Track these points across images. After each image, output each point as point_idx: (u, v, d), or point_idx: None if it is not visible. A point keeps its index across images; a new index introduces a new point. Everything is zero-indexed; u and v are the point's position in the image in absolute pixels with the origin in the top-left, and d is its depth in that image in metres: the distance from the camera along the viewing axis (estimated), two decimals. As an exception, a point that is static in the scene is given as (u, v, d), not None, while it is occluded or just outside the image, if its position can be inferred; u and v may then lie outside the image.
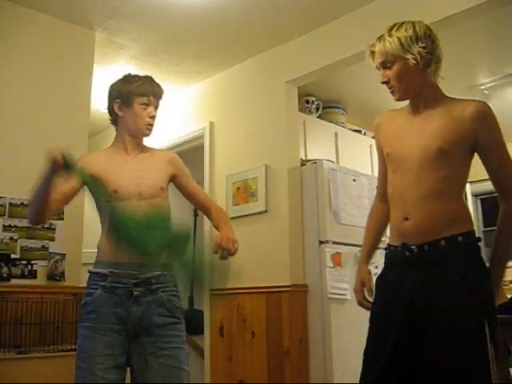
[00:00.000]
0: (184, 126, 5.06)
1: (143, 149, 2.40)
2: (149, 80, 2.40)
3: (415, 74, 1.89)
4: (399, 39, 1.88)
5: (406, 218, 1.88)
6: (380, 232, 2.22)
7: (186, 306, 5.35)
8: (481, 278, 1.79)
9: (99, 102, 4.66)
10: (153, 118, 2.34)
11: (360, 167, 4.70)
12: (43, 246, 3.43)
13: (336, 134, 5.06)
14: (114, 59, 4.43)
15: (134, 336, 2.09)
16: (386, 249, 2.04)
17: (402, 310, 1.83)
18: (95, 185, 2.08)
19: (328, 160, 4.30)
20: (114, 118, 2.36)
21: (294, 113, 4.37)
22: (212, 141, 4.77)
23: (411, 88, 1.92)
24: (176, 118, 5.17)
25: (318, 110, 4.98)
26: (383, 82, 1.98)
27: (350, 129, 5.30)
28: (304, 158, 4.45)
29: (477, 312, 1.72)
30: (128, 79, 2.36)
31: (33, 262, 3.38)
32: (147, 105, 2.32)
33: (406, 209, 1.90)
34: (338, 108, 5.23)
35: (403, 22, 1.94)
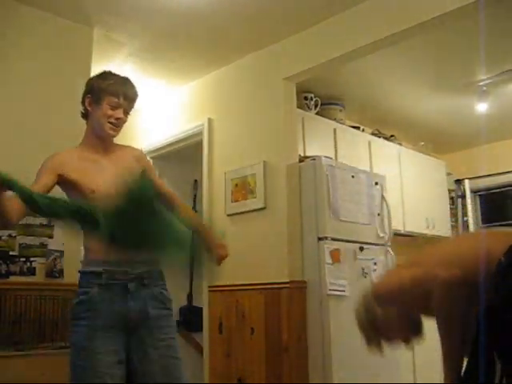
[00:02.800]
0: (183, 122, 5.06)
1: (111, 146, 2.38)
2: (124, 81, 2.35)
3: None
4: None
5: None
6: None
7: (184, 303, 5.36)
8: None
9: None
10: (118, 120, 2.29)
11: (359, 164, 4.71)
12: (42, 243, 3.43)
13: (334, 131, 5.06)
14: (113, 56, 4.41)
15: (132, 330, 2.14)
16: None
17: None
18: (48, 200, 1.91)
19: (326, 156, 4.30)
20: (85, 113, 2.34)
21: (293, 109, 4.37)
22: (210, 137, 4.77)
23: None
24: (175, 115, 5.17)
25: (316, 106, 4.98)
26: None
27: (348, 125, 5.30)
28: (302, 155, 4.45)
29: None
30: (103, 76, 2.34)
31: (31, 259, 3.38)
32: (116, 106, 2.28)
33: None
34: (337, 105, 5.23)
35: None
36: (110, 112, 2.26)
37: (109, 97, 2.26)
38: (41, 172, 2.16)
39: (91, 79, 2.37)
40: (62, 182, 2.19)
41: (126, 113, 2.33)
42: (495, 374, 1.45)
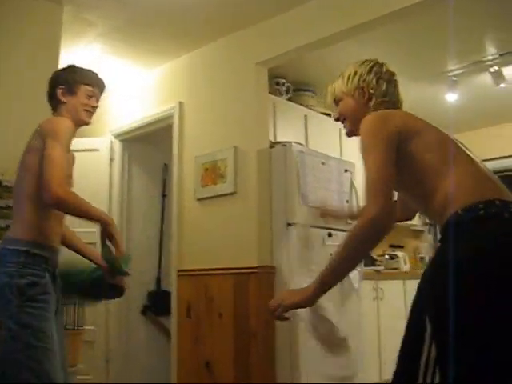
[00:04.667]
0: (153, 105, 5.01)
1: None
2: (95, 73, 2.53)
3: (358, 110, 1.96)
4: (343, 77, 2.01)
5: None
6: None
7: (153, 287, 5.34)
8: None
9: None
10: (94, 107, 2.47)
11: (329, 150, 4.72)
12: (8, 226, 3.34)
13: (306, 117, 5.07)
14: (81, 36, 4.33)
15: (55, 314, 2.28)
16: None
17: None
18: None
19: (297, 142, 4.30)
20: (55, 104, 2.44)
21: (264, 94, 4.36)
22: (181, 121, 4.73)
23: (356, 124, 1.90)
24: (145, 98, 5.10)
25: (288, 92, 4.98)
26: (335, 119, 2.10)
27: (319, 112, 5.31)
28: (273, 140, 4.45)
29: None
30: (75, 69, 2.49)
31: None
32: (91, 95, 2.45)
33: None
34: (308, 91, 5.24)
35: (358, 61, 2.03)
36: (85, 101, 2.42)
37: (84, 86, 2.42)
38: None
39: (60, 72, 2.51)
40: None
41: (98, 101, 2.51)
42: (424, 341, 1.49)
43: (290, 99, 5.00)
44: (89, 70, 2.52)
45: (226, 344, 4.00)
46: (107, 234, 2.19)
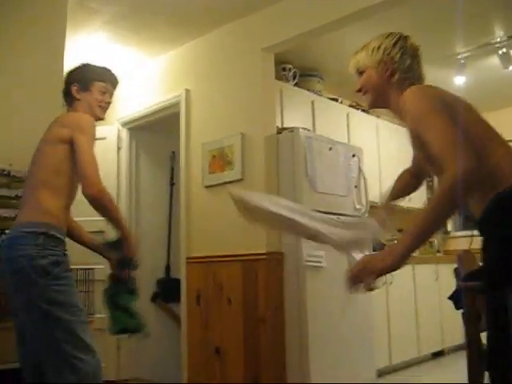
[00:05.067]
0: (160, 93, 5.00)
1: None
2: (108, 69, 2.63)
3: (380, 83, 1.96)
4: (367, 49, 1.99)
5: None
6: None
7: (162, 275, 5.37)
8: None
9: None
10: (107, 103, 2.58)
11: (336, 136, 4.71)
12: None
13: (313, 102, 5.04)
14: (86, 25, 4.32)
15: None
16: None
17: None
18: None
19: (304, 128, 4.29)
20: (70, 101, 2.55)
21: (271, 80, 4.34)
22: (188, 108, 4.72)
23: (378, 97, 1.99)
24: (151, 85, 5.10)
25: (294, 77, 4.95)
26: (357, 91, 2.07)
27: (326, 97, 5.29)
28: (280, 126, 4.43)
29: None
30: (88, 66, 2.60)
31: (7, 231, 3.33)
32: (104, 92, 2.55)
33: None
34: (315, 76, 5.20)
35: (383, 34, 2.01)
36: (99, 97, 2.53)
37: (98, 83, 2.53)
38: None
39: (75, 69, 2.60)
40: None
41: (111, 96, 2.61)
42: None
43: (296, 85, 4.98)
44: (102, 67, 2.61)
45: (236, 330, 4.02)
46: (123, 245, 2.40)
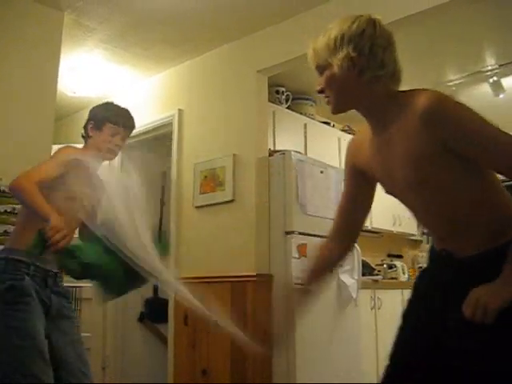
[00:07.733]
0: (153, 112, 5.01)
1: None
2: (124, 112, 2.65)
3: (346, 85, 1.57)
4: (328, 40, 1.57)
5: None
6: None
7: (150, 295, 5.33)
8: None
9: (66, 86, 4.59)
10: (117, 146, 2.57)
11: (328, 159, 4.73)
12: (5, 231, 3.35)
13: (305, 125, 5.08)
14: (83, 42, 4.34)
15: (53, 318, 2.32)
16: None
17: None
18: None
19: (296, 151, 4.30)
20: (85, 137, 2.57)
21: (264, 103, 4.37)
22: (180, 128, 4.73)
23: (345, 99, 1.62)
24: (145, 105, 5.11)
25: (287, 100, 4.99)
26: (318, 92, 1.68)
27: (319, 120, 5.32)
28: (272, 149, 4.45)
29: None
30: (106, 106, 2.62)
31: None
32: (115, 134, 2.54)
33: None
34: (308, 99, 5.24)
35: (344, 18, 1.59)
36: (108, 138, 2.52)
37: (109, 124, 2.52)
38: None
39: (96, 107, 2.61)
40: None
41: (123, 140, 2.62)
42: None
43: (289, 108, 5.01)
44: (120, 109, 2.64)
45: (223, 352, 3.98)
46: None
